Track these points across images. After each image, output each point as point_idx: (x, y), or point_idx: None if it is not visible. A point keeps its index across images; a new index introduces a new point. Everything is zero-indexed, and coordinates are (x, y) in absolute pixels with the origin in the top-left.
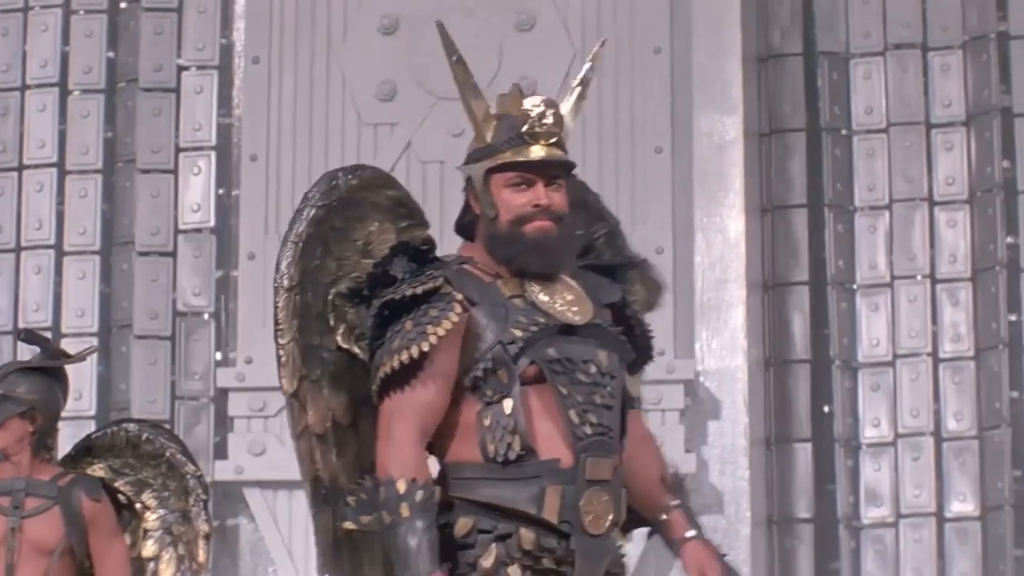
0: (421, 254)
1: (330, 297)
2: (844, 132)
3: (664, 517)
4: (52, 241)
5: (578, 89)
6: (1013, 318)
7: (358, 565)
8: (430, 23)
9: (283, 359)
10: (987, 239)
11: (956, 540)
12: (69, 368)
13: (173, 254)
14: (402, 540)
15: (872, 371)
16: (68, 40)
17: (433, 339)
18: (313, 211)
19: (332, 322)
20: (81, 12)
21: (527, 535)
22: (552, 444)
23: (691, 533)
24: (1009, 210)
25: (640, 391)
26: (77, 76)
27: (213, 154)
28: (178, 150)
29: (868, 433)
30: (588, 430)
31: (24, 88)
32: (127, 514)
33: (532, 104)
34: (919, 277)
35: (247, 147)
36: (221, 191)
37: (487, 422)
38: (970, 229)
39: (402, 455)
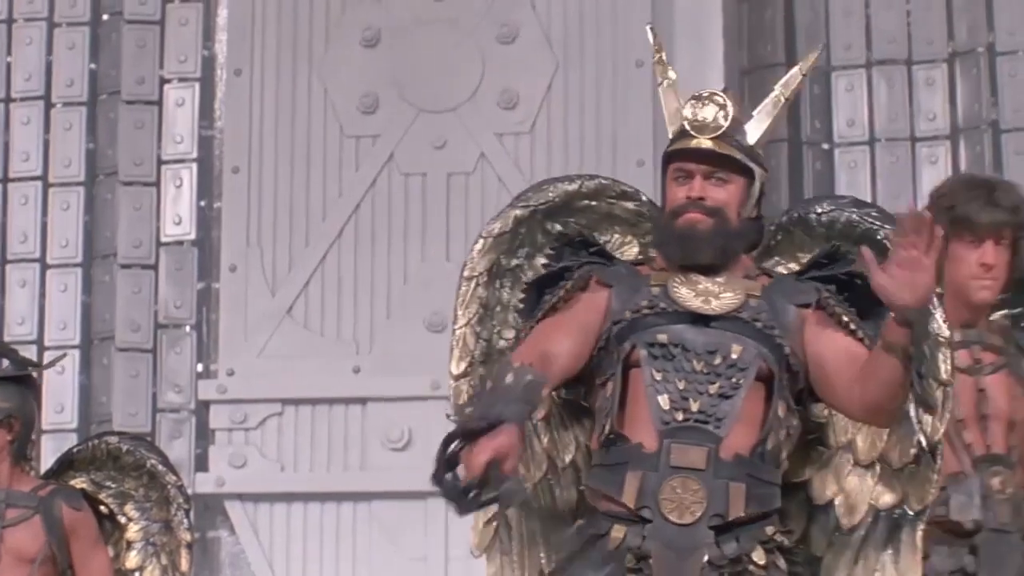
0: (581, 246)
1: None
2: (825, 146)
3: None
4: (37, 255)
5: (779, 92)
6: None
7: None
8: (412, 35)
9: (453, 343)
10: None
11: None
12: (51, 382)
13: (155, 267)
14: (488, 391)
15: None
16: (51, 52)
17: (545, 308)
18: (514, 211)
19: None
20: (64, 24)
21: (617, 533)
22: (641, 428)
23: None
24: None
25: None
26: (60, 89)
27: (195, 166)
28: (160, 162)
29: None
30: (680, 416)
31: (8, 101)
32: (109, 525)
33: (699, 97)
34: None
35: (229, 159)
36: (203, 203)
37: (597, 405)
38: None
39: (524, 350)
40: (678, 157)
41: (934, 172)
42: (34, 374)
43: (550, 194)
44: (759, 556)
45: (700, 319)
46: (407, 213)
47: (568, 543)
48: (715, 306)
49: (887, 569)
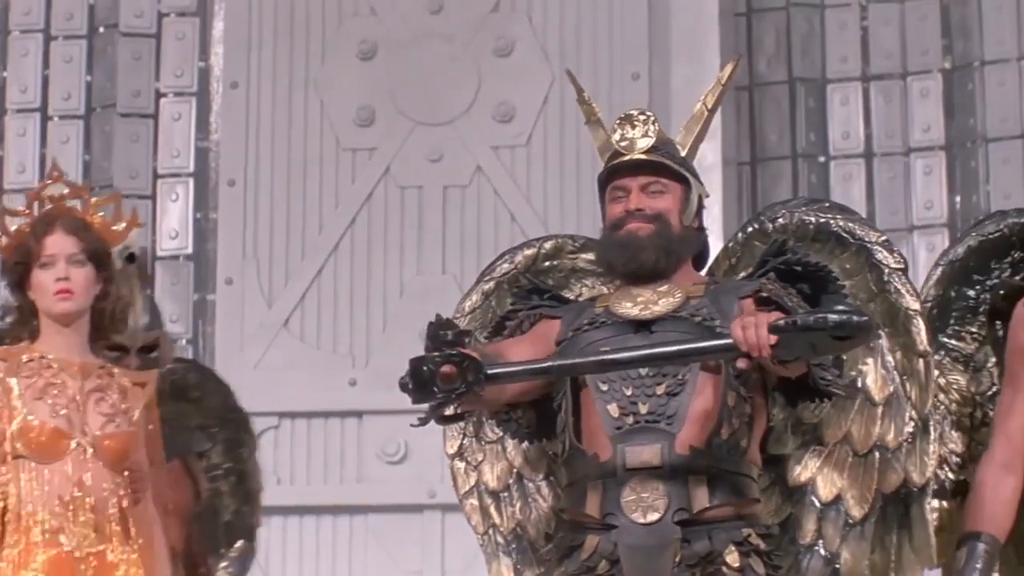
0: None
1: None
2: (821, 159)
3: None
4: None
5: (701, 104)
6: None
7: None
8: (409, 48)
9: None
10: None
11: None
12: None
13: (151, 280)
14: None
15: None
16: (48, 65)
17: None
18: (482, 285)
19: None
20: (60, 37)
21: (590, 543)
22: (596, 440)
23: None
24: None
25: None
26: (56, 102)
27: (191, 180)
28: (156, 176)
29: None
30: (630, 420)
31: (4, 113)
32: None
33: (623, 120)
34: None
35: (225, 172)
36: (199, 215)
37: (557, 430)
38: None
39: None
40: (613, 176)
41: (929, 183)
42: None
43: (513, 263)
44: (733, 558)
45: (643, 326)
46: (403, 226)
47: (547, 555)
48: (654, 311)
49: (904, 549)
